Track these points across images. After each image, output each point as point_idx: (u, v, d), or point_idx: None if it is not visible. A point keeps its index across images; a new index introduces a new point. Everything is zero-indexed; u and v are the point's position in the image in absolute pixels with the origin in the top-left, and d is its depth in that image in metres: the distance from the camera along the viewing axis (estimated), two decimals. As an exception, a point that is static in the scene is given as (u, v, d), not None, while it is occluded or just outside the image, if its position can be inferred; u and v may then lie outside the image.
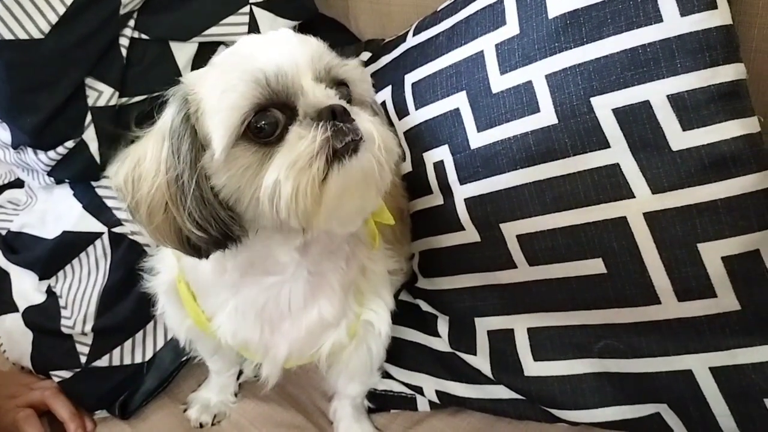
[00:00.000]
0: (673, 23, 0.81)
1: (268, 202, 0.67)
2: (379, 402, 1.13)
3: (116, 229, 1.17)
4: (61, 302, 1.19)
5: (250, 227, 0.75)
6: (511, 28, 0.94)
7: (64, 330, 1.16)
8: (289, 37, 0.75)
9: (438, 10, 1.12)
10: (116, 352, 1.16)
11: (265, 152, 0.69)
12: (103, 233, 1.17)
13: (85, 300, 1.17)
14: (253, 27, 1.22)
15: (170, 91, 0.77)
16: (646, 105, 0.83)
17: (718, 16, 0.80)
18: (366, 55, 1.28)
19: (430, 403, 1.10)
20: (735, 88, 0.81)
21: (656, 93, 0.82)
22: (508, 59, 0.94)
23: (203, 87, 0.73)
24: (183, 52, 1.18)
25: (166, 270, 0.98)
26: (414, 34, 1.14)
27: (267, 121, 0.69)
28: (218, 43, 1.21)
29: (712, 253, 0.82)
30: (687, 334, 0.86)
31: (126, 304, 1.17)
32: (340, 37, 1.42)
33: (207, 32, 1.18)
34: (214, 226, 0.72)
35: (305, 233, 0.75)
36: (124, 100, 1.14)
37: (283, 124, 0.69)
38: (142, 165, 0.74)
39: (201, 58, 1.20)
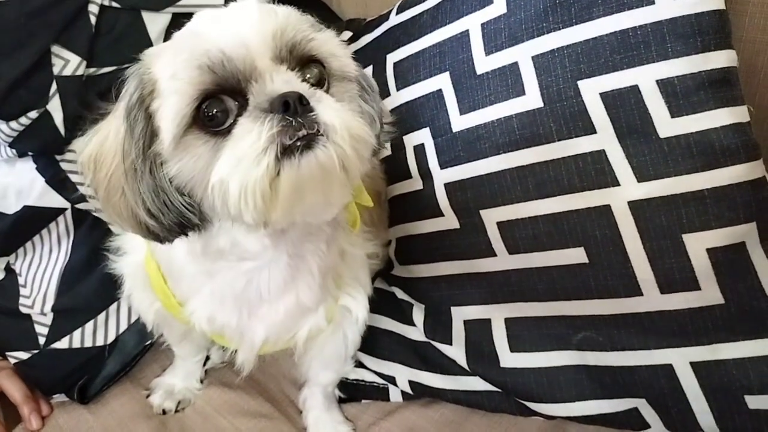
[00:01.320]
0: (665, 6, 0.79)
1: (218, 198, 0.62)
2: (350, 391, 1.10)
3: (80, 206, 1.13)
4: (20, 280, 1.14)
5: (213, 216, 0.71)
6: (497, 7, 0.91)
7: (22, 309, 1.12)
8: (248, 10, 0.67)
9: (423, -12, 1.09)
10: (77, 333, 1.11)
11: (216, 143, 0.63)
12: (66, 209, 1.13)
13: (45, 278, 1.13)
14: None
15: (130, 69, 0.71)
16: (634, 90, 0.81)
17: (712, 0, 0.78)
18: (347, 35, 1.24)
19: (403, 393, 1.08)
20: (726, 75, 0.79)
21: (645, 78, 0.80)
22: (494, 39, 0.91)
23: (158, 67, 0.68)
24: (155, 22, 1.13)
25: (134, 250, 0.94)
26: (397, 13, 1.10)
27: (218, 108, 0.64)
28: (193, 14, 1.16)
29: (697, 245, 0.80)
30: (669, 328, 0.83)
31: (88, 284, 1.13)
32: (318, 14, 1.38)
33: (181, 2, 1.14)
34: (167, 214, 0.68)
35: (265, 227, 0.69)
36: (92, 70, 1.09)
37: (234, 113, 0.64)
38: (105, 144, 0.70)
39: (175, 29, 1.15)
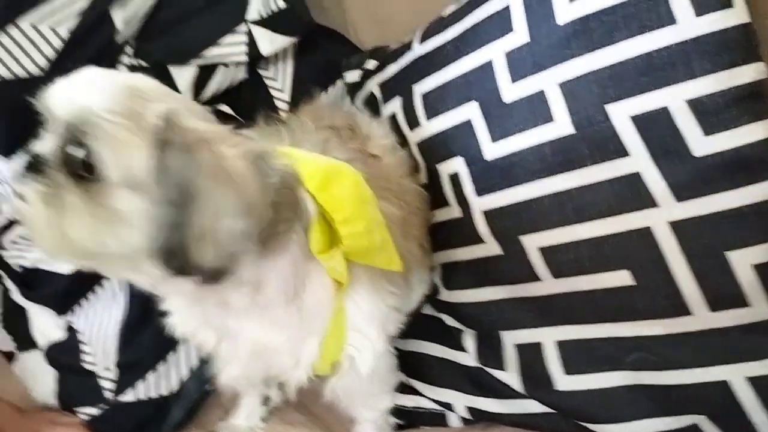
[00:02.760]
0: (688, 25, 0.81)
1: None
2: (408, 419, 1.16)
3: (130, 260, 1.20)
4: (82, 337, 1.23)
5: None
6: (520, 35, 0.95)
7: (86, 366, 1.20)
8: (80, 80, 0.74)
9: (443, 16, 1.13)
10: (141, 385, 1.19)
11: None
12: (119, 265, 1.20)
13: (105, 334, 1.21)
14: (252, 45, 1.24)
15: None
16: (664, 111, 0.83)
17: (734, 15, 0.80)
18: (372, 63, 1.29)
19: (461, 419, 1.13)
20: (756, 88, 0.80)
21: (674, 98, 0.82)
22: (519, 67, 0.95)
23: None
24: (182, 76, 1.20)
25: None
26: (420, 43, 1.15)
27: None
28: (217, 64, 1.23)
29: (742, 261, 0.82)
30: (721, 345, 0.86)
31: (147, 335, 1.20)
32: (339, 48, 1.44)
33: (204, 54, 1.20)
34: None
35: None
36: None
37: None
38: None
39: (202, 81, 1.23)
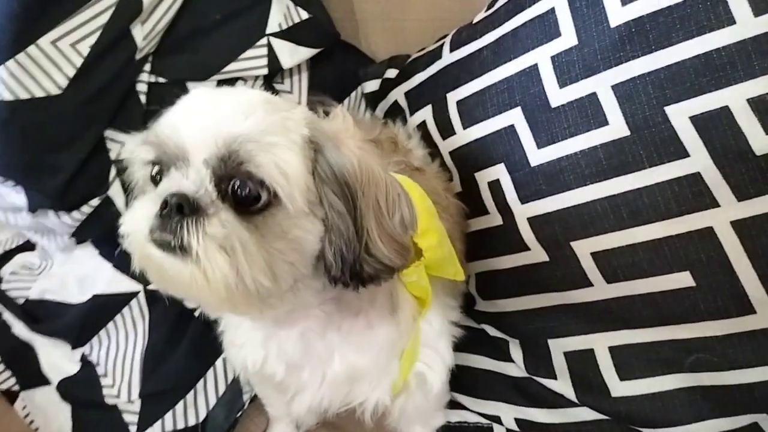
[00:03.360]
0: (747, 25, 0.81)
1: None
2: (452, 435, 1.14)
3: (152, 286, 1.15)
4: (100, 370, 1.16)
5: None
6: (567, 39, 0.94)
7: (108, 401, 1.14)
8: (216, 107, 0.69)
9: (474, 23, 1.12)
10: (168, 417, 1.14)
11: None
12: (138, 292, 1.15)
13: (126, 365, 1.15)
14: (273, 59, 1.21)
15: None
16: (725, 111, 0.83)
17: (791, 14, 0.81)
18: (393, 72, 1.27)
19: (508, 430, 1.11)
20: (814, 85, 0.82)
21: (735, 98, 0.83)
22: (568, 71, 0.94)
23: None
24: None
25: None
26: (451, 50, 1.13)
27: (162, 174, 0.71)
28: (237, 79, 1.19)
29: (807, 258, 0.83)
30: (786, 342, 0.87)
31: (172, 363, 1.15)
32: (352, 59, 1.41)
33: (225, 69, 1.17)
34: None
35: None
36: (146, 147, 1.12)
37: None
38: None
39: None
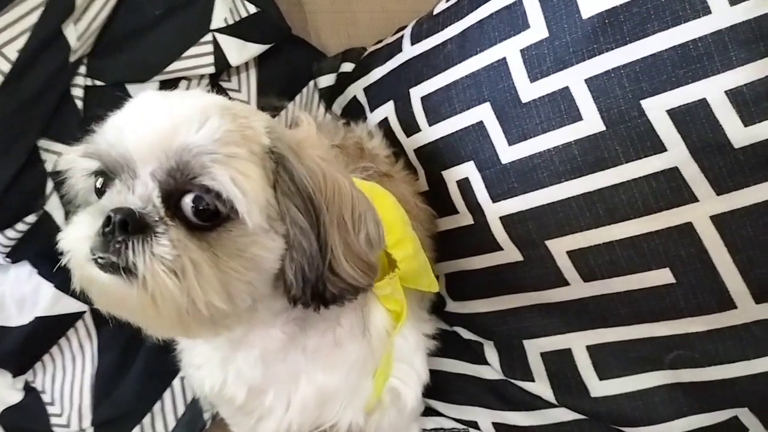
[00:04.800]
0: (722, 14, 0.80)
1: None
2: (428, 442, 1.10)
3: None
4: (46, 398, 1.08)
5: None
6: (537, 31, 0.91)
7: (56, 431, 1.06)
8: (166, 113, 0.63)
9: (435, 14, 1.07)
10: (126, 443, 1.07)
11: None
12: (84, 312, 1.07)
13: (75, 392, 1.07)
14: (220, 56, 1.14)
15: None
16: (703, 103, 0.82)
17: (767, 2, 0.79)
18: (349, 66, 1.22)
19: (486, 435, 1.09)
20: (791, 76, 0.81)
21: (713, 90, 0.81)
22: (538, 65, 0.91)
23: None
24: None
25: None
26: (412, 43, 1.08)
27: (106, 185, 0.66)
28: (181, 79, 1.11)
29: (788, 250, 0.83)
30: (767, 336, 0.87)
31: (126, 387, 1.08)
32: (303, 53, 1.35)
33: (168, 69, 1.09)
34: None
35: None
36: (85, 157, 1.03)
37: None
38: None
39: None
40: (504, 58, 0.94)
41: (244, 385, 0.80)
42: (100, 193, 0.65)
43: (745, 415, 0.92)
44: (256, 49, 1.19)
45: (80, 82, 1.01)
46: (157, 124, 0.61)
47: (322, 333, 0.79)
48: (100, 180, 0.65)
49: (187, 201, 0.61)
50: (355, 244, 0.67)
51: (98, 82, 1.03)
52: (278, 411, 0.83)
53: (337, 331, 0.79)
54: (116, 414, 1.07)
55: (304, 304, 0.67)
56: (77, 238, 0.62)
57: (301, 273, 0.65)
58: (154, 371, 1.10)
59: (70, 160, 0.70)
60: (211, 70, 1.14)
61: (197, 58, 1.11)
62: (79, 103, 1.01)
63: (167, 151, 0.59)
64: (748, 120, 0.81)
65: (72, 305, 1.06)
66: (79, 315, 1.07)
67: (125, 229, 0.58)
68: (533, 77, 0.91)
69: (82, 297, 1.04)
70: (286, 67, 1.29)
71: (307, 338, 0.78)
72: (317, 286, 0.66)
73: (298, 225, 0.64)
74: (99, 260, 0.60)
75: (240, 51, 1.16)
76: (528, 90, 0.92)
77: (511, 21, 0.93)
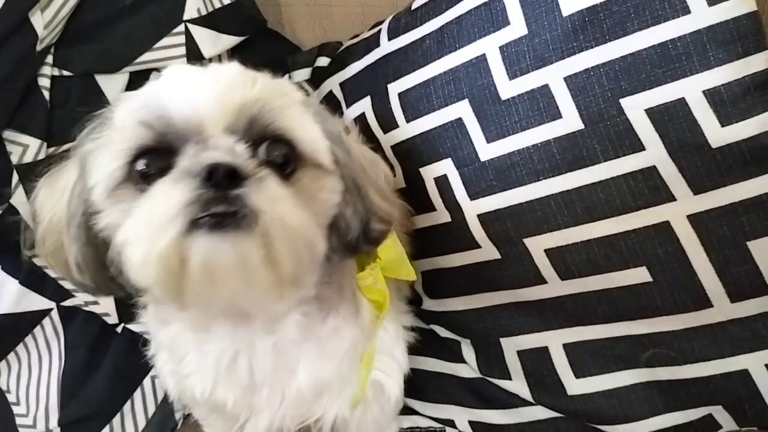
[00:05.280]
0: (702, 14, 0.80)
1: (124, 262, 0.60)
2: (404, 441, 1.10)
3: (66, 302, 1.05)
4: (11, 398, 1.06)
5: None
6: (516, 28, 0.90)
7: (23, 431, 1.03)
8: (219, 75, 0.64)
9: (413, 9, 1.06)
10: (94, 444, 1.04)
11: (136, 200, 0.61)
12: (51, 309, 1.05)
13: (42, 392, 1.05)
14: (193, 48, 1.12)
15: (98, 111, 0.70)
16: (681, 103, 0.82)
17: (745, 3, 0.80)
18: (324, 61, 1.20)
19: (461, 434, 1.09)
20: (767, 77, 0.81)
21: (691, 89, 0.82)
22: (518, 62, 0.91)
23: (117, 113, 0.66)
24: (113, 85, 1.06)
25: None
26: (390, 38, 1.07)
27: (154, 166, 0.61)
28: (152, 70, 1.09)
29: (763, 250, 0.83)
30: (742, 334, 0.88)
31: (94, 386, 1.06)
32: (277, 47, 1.33)
33: (138, 60, 1.07)
34: (91, 269, 0.66)
35: (183, 309, 0.68)
36: (52, 150, 1.00)
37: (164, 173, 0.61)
38: (57, 186, 0.70)
39: (134, 89, 1.07)
40: (483, 55, 0.93)
41: (237, 386, 0.79)
42: (144, 176, 0.61)
43: (719, 413, 0.93)
44: (230, 41, 1.17)
45: (47, 72, 0.98)
46: (215, 86, 0.62)
47: (324, 318, 0.80)
48: (142, 162, 0.61)
49: (262, 150, 0.62)
50: (377, 181, 0.73)
51: (66, 73, 1.00)
52: (271, 407, 0.82)
53: (337, 316, 0.81)
54: (84, 414, 1.05)
55: (348, 250, 0.71)
56: (161, 212, 0.56)
57: (356, 213, 0.69)
58: (123, 370, 1.08)
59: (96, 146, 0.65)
60: (183, 61, 1.11)
61: (169, 50, 1.09)
62: (46, 94, 0.98)
63: (235, 106, 0.61)
64: (725, 120, 0.82)
65: (38, 302, 1.03)
66: (45, 312, 1.04)
67: (231, 180, 0.56)
68: (512, 74, 0.91)
69: (49, 294, 1.04)
70: (260, 60, 1.25)
71: (315, 324, 0.79)
72: (368, 224, 0.70)
73: (347, 166, 0.69)
74: (208, 220, 0.55)
75: (213, 42, 1.14)
76: (507, 87, 0.92)
77: (491, 17, 0.93)
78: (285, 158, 0.64)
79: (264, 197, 0.57)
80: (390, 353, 0.89)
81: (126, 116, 0.62)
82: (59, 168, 0.72)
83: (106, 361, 1.07)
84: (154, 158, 0.61)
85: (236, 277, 0.58)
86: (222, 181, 0.56)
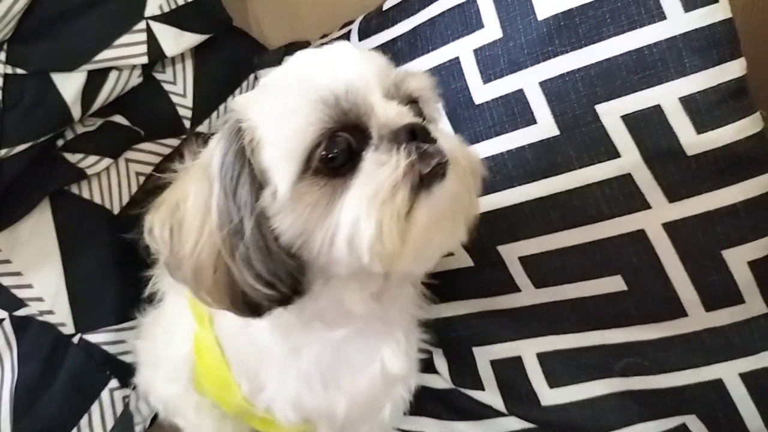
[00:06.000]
0: (677, 20, 0.80)
1: (346, 244, 0.59)
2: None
3: (19, 312, 1.01)
4: (-41, 412, 1.00)
5: (319, 276, 0.66)
6: (490, 31, 0.89)
7: (-29, 448, 0.98)
8: (349, 50, 0.67)
9: (384, 9, 1.04)
10: (48, 462, 1.00)
11: (337, 185, 0.60)
12: (3, 320, 1.00)
13: (-7, 405, 1.00)
14: (154, 46, 1.08)
15: (220, 121, 0.71)
16: (657, 109, 0.82)
17: (721, 10, 0.80)
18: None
19: (434, 446, 1.07)
20: (742, 84, 0.82)
21: (667, 96, 0.82)
22: (492, 66, 0.90)
23: (258, 113, 0.63)
24: (69, 83, 1.02)
25: (181, 339, 0.85)
26: (360, 39, 1.05)
27: (338, 148, 0.60)
28: (111, 69, 1.05)
29: (738, 259, 0.84)
30: (716, 344, 0.88)
31: (49, 400, 1.02)
32: (242, 46, 1.30)
33: (97, 58, 1.03)
34: (283, 279, 0.63)
35: (386, 277, 0.68)
36: (4, 152, 0.96)
37: (355, 150, 0.61)
38: (183, 212, 0.64)
39: (92, 88, 1.04)
40: (457, 58, 0.92)
41: (324, 388, 0.79)
42: (329, 161, 0.60)
43: (693, 423, 0.93)
44: (194, 39, 1.14)
45: (0, 70, 0.94)
46: (364, 60, 0.65)
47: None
48: (322, 146, 0.60)
49: (416, 109, 0.67)
50: None
51: (20, 71, 0.96)
52: (354, 397, 0.81)
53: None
54: (39, 428, 1.00)
55: None
56: (393, 180, 0.58)
57: None
58: (80, 383, 1.04)
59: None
60: (144, 60, 1.08)
61: (129, 47, 1.05)
62: (-1, 93, 0.94)
63: (386, 76, 0.64)
64: (700, 127, 0.82)
65: (-11, 312, 0.99)
66: (-4, 322, 1.00)
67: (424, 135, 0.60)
68: (486, 78, 0.90)
69: (1, 303, 1.00)
70: (224, 60, 1.23)
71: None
72: None
73: None
74: (428, 176, 0.59)
75: (176, 40, 1.10)
76: (481, 91, 0.91)
77: (464, 20, 0.92)
78: (420, 115, 0.67)
79: (451, 145, 0.62)
80: (411, 337, 0.87)
81: (296, 102, 0.60)
82: (164, 201, 0.68)
83: (62, 372, 1.02)
84: (331, 140, 0.60)
85: (453, 219, 0.65)
86: (424, 138, 0.60)
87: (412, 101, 0.68)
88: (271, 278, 0.62)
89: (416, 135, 0.60)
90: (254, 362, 0.80)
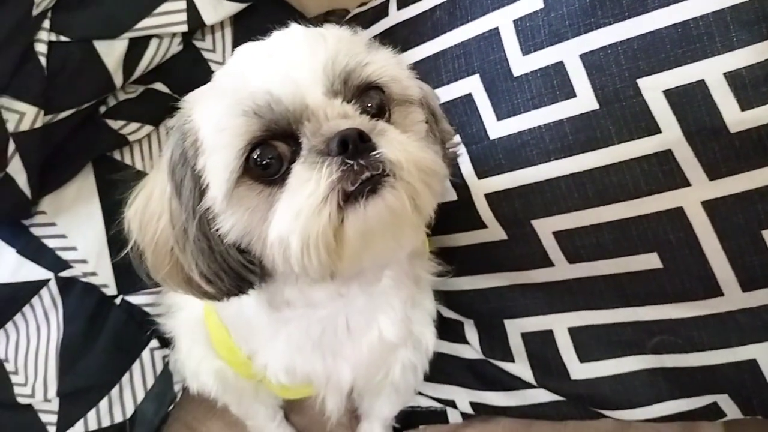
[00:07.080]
0: (725, -8, 0.78)
1: (279, 255, 0.59)
2: (406, 420, 1.11)
3: (64, 273, 1.05)
4: (9, 367, 1.06)
5: (273, 271, 0.68)
6: (532, 1, 0.88)
7: (20, 400, 1.04)
8: (294, 40, 0.64)
9: (423, -22, 1.03)
10: (91, 415, 1.06)
11: (271, 194, 0.60)
12: (48, 280, 1.05)
13: (40, 361, 1.05)
14: (194, 14, 1.09)
15: (173, 119, 0.69)
16: (701, 85, 0.80)
17: (772, -18, 0.77)
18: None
19: (462, 414, 1.09)
20: (791, 60, 0.79)
21: (712, 71, 0.79)
22: (532, 37, 0.88)
23: (198, 114, 0.64)
24: (111, 52, 1.04)
25: (190, 305, 0.91)
26: (399, 8, 1.05)
27: (271, 155, 0.60)
28: (152, 37, 1.06)
29: (778, 239, 0.82)
30: (751, 324, 0.87)
31: (93, 357, 1.06)
32: (280, 13, 1.30)
33: (138, 26, 1.04)
34: (224, 278, 0.65)
35: (332, 279, 0.66)
36: (49, 118, 0.99)
37: (288, 158, 0.60)
38: (150, 204, 0.67)
39: (133, 56, 1.06)
40: (496, 29, 0.91)
41: (323, 356, 0.81)
42: (264, 167, 0.60)
43: (724, 402, 0.93)
44: (233, 7, 1.14)
45: (44, 38, 0.96)
46: (302, 55, 0.61)
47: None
48: (255, 154, 0.60)
49: (374, 98, 0.64)
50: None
51: (63, 38, 0.98)
52: (356, 363, 0.83)
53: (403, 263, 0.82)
54: (82, 385, 1.05)
55: None
56: (319, 194, 0.56)
57: (435, 140, 0.73)
58: (122, 342, 1.08)
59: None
60: (184, 28, 1.09)
61: (169, 15, 1.07)
62: (43, 60, 0.96)
63: (328, 70, 0.60)
64: (745, 104, 0.79)
65: (36, 272, 1.03)
66: (43, 283, 1.04)
67: (362, 142, 0.57)
68: (526, 50, 0.89)
69: (47, 264, 1.04)
70: (263, 28, 1.23)
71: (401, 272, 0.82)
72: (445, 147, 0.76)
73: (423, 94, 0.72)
74: (360, 189, 0.56)
75: (215, 9, 1.11)
76: (520, 63, 0.90)
77: (505, -11, 0.90)
78: (381, 103, 0.65)
79: (395, 149, 0.58)
80: (421, 304, 0.90)
81: (225, 113, 0.59)
82: (141, 189, 0.70)
83: (105, 332, 1.07)
84: (266, 147, 0.60)
85: (393, 232, 0.61)
86: (356, 148, 0.56)
87: (372, 88, 0.64)
88: (212, 277, 0.64)
89: (348, 145, 0.56)
90: (245, 330, 0.83)
